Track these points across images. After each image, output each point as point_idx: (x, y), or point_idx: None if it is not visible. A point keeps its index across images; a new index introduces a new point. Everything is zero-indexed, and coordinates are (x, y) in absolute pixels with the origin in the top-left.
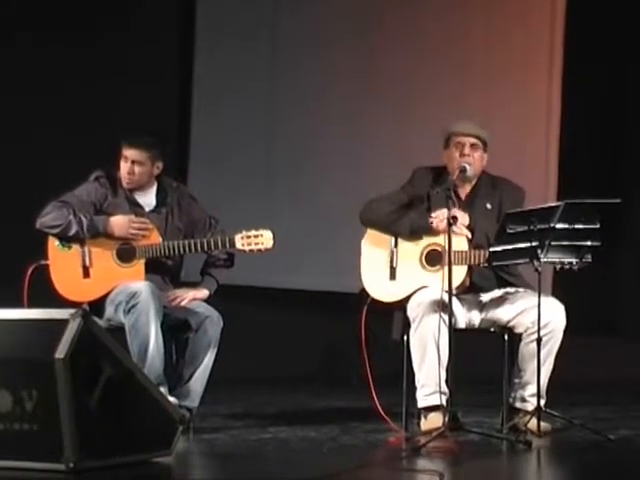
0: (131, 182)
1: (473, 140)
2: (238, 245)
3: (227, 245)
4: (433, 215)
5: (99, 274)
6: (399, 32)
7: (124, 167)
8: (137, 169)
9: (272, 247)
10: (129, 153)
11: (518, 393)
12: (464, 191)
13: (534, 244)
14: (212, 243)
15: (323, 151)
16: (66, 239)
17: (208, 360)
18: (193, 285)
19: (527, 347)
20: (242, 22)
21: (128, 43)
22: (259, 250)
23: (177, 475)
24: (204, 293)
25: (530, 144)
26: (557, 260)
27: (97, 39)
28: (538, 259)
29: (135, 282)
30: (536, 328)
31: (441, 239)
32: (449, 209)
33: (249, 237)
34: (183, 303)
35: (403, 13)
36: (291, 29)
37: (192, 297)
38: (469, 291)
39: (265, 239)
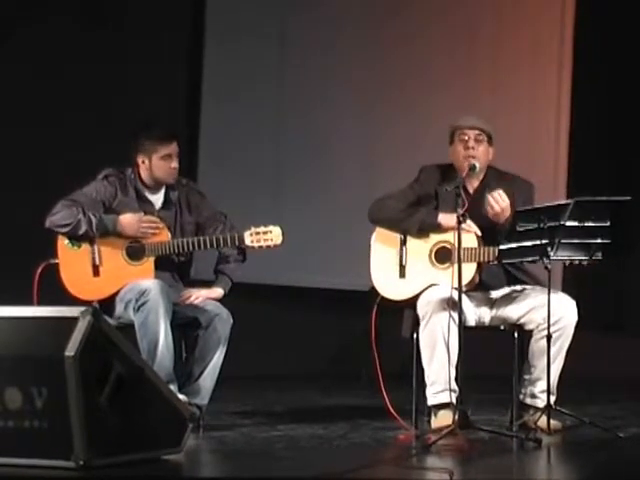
0: (175, 176)
1: (477, 133)
2: (247, 241)
3: (236, 242)
4: (443, 220)
5: (109, 272)
6: (408, 31)
7: (169, 164)
8: (177, 162)
9: (281, 243)
10: (171, 149)
11: (528, 389)
12: (472, 186)
13: (544, 242)
14: (221, 240)
15: (332, 149)
16: (76, 238)
17: (218, 358)
18: (206, 283)
19: (538, 343)
20: (251, 21)
21: (138, 43)
22: (268, 246)
23: (187, 472)
24: (218, 292)
25: (540, 142)
26: (567, 258)
27: (106, 38)
28: (548, 257)
29: (145, 280)
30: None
31: (450, 236)
32: (458, 207)
33: (258, 233)
34: (196, 302)
35: (411, 11)
36: (299, 28)
37: (206, 296)
38: (479, 289)
39: (274, 235)
